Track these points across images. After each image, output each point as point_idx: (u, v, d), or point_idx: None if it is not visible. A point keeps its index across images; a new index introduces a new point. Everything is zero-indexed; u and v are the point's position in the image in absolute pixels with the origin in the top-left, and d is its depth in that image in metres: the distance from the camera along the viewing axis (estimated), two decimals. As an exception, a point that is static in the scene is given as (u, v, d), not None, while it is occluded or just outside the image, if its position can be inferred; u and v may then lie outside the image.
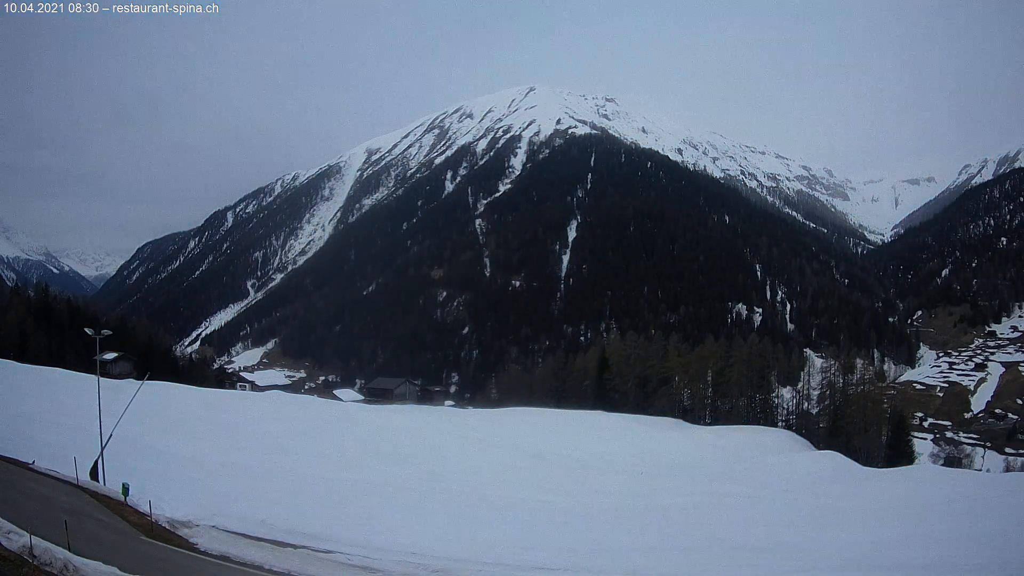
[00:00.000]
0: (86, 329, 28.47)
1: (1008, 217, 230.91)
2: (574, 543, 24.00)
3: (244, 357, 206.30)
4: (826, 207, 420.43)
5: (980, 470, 74.74)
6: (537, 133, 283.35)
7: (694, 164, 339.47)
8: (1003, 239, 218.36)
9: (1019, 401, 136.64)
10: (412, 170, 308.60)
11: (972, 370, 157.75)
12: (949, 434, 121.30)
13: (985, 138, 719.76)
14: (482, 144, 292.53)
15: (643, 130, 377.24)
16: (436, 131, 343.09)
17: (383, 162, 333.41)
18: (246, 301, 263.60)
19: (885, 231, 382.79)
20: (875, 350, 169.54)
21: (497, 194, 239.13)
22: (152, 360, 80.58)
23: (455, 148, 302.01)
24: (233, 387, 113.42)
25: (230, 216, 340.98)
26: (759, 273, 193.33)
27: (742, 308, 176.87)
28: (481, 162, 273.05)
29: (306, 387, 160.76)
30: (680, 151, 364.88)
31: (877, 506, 35.72)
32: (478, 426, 60.97)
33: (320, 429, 49.37)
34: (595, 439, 59.48)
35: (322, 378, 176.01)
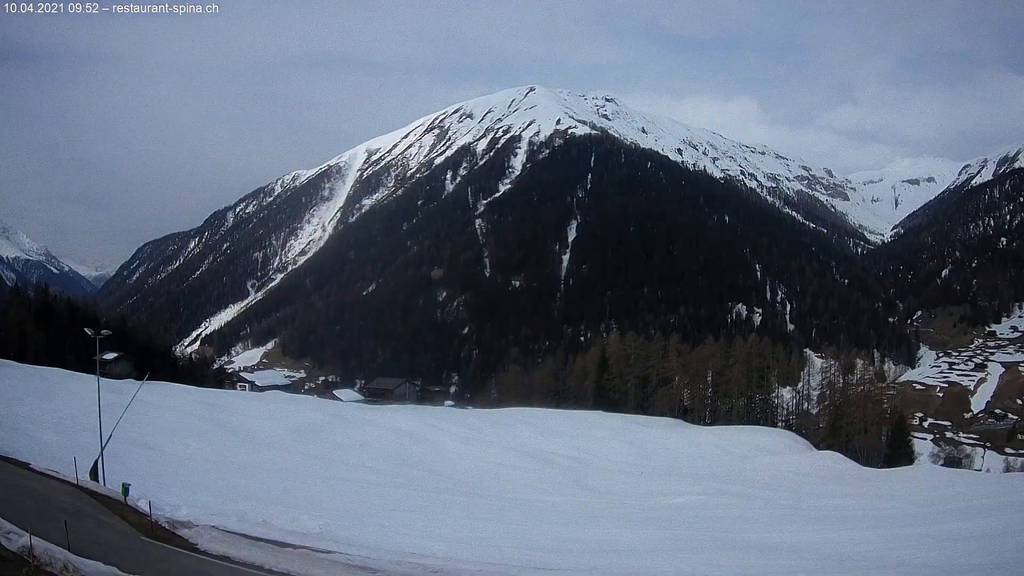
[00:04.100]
0: (86, 329, 28.45)
1: (1008, 217, 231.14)
2: (574, 543, 24.01)
3: (244, 357, 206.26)
4: (826, 207, 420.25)
5: (980, 470, 74.89)
6: (537, 133, 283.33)
7: (694, 164, 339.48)
8: (1003, 239, 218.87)
9: (1019, 401, 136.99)
10: (412, 170, 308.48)
11: (972, 370, 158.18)
12: (949, 434, 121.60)
13: (985, 138, 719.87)
14: (482, 144, 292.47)
15: (643, 130, 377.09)
16: (436, 131, 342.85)
17: (383, 162, 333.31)
18: (246, 301, 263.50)
19: (885, 231, 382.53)
20: (875, 350, 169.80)
21: (497, 194, 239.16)
22: (152, 360, 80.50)
23: (455, 148, 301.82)
24: (233, 387, 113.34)
25: (230, 216, 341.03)
26: (759, 273, 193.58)
27: (742, 308, 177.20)
28: (481, 162, 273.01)
29: (306, 387, 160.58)
30: (680, 151, 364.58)
31: (877, 506, 35.74)
32: (478, 426, 60.98)
33: (320, 429, 49.42)
34: (595, 439, 59.48)
35: (322, 378, 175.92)
